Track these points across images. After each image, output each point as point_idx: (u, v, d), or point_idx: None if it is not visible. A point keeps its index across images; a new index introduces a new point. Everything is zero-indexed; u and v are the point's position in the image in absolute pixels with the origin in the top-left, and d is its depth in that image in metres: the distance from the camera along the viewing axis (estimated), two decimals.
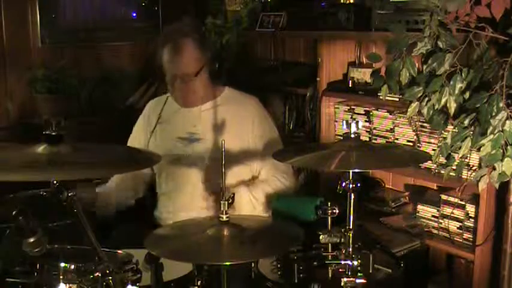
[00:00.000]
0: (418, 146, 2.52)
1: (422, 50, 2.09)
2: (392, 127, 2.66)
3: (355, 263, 1.51)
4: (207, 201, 2.30)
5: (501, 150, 1.92)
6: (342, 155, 1.49)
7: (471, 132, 2.03)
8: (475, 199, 2.35)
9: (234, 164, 2.30)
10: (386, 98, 2.35)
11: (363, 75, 2.81)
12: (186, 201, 2.35)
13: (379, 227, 2.55)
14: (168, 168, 2.40)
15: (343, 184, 1.51)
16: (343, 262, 1.52)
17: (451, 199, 2.43)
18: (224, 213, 1.56)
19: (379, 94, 2.37)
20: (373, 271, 1.60)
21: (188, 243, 1.59)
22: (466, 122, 2.03)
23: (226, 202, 1.56)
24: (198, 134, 2.36)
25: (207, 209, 2.30)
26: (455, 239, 2.43)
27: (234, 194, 2.22)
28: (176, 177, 2.39)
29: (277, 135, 2.46)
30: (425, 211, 2.56)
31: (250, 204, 2.27)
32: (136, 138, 2.50)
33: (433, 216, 2.53)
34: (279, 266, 1.73)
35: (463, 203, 2.40)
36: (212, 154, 2.31)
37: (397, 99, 2.51)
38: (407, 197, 2.80)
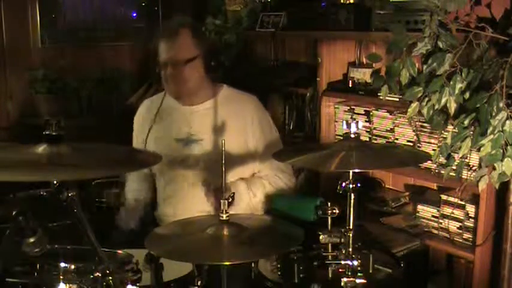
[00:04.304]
0: (418, 146, 2.52)
1: (422, 50, 2.09)
2: (392, 127, 2.66)
3: (355, 263, 1.51)
4: (207, 203, 2.29)
5: (501, 150, 1.92)
6: (342, 155, 1.49)
7: (471, 132, 2.03)
8: (475, 199, 2.35)
9: (234, 164, 2.29)
10: (387, 98, 2.34)
11: (363, 75, 2.81)
12: (186, 204, 2.34)
13: (379, 227, 2.55)
14: (166, 171, 2.38)
15: (343, 184, 1.52)
16: (343, 262, 1.52)
17: (451, 199, 2.43)
18: (224, 212, 1.56)
19: (379, 94, 2.36)
20: (373, 271, 1.60)
21: (188, 242, 1.59)
22: (466, 122, 2.02)
23: (226, 201, 1.56)
24: (196, 135, 2.33)
25: (208, 211, 2.29)
26: (455, 239, 2.43)
27: (234, 193, 2.22)
28: (175, 180, 2.37)
29: (276, 134, 2.45)
30: (425, 211, 2.56)
31: (247, 200, 2.27)
32: (134, 142, 2.49)
33: (433, 216, 2.53)
34: (279, 266, 1.73)
35: (463, 203, 2.40)
36: (210, 155, 2.29)
37: (397, 99, 2.51)
38: (407, 197, 2.79)
